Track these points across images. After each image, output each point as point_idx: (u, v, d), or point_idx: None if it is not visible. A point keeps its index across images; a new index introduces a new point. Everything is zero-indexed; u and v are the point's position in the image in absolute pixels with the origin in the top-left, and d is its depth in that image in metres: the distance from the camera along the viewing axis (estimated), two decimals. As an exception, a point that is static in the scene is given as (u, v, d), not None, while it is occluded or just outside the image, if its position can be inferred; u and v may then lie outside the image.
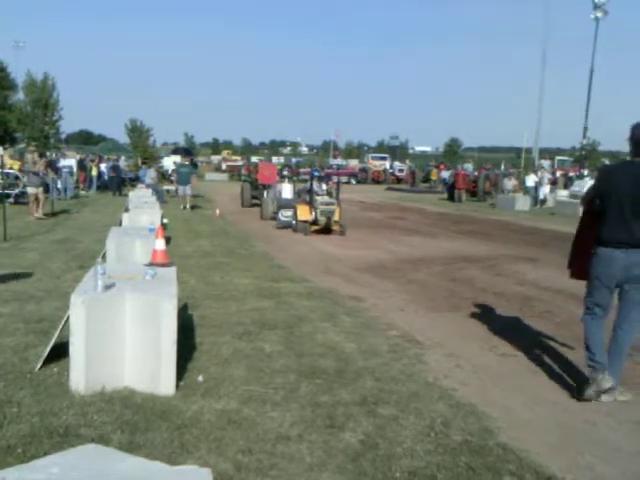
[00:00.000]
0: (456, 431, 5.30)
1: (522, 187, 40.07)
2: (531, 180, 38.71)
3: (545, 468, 4.70)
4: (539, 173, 40.25)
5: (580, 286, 11.61)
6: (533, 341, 8.45)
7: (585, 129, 50.59)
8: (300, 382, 6.31)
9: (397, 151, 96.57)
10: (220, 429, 5.10)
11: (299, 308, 9.60)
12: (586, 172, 47.04)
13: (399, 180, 64.13)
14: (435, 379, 6.65)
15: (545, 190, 37.98)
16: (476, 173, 46.05)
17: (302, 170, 55.88)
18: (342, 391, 6.12)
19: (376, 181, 63.13)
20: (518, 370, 7.26)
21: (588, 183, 35.77)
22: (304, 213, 20.64)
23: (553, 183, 43.10)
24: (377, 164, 68.38)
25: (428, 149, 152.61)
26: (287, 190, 24.46)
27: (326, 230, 20.21)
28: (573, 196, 35.15)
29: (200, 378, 6.24)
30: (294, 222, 21.05)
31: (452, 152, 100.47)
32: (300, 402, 5.79)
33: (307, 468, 4.55)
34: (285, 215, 22.02)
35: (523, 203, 34.51)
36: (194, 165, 42.41)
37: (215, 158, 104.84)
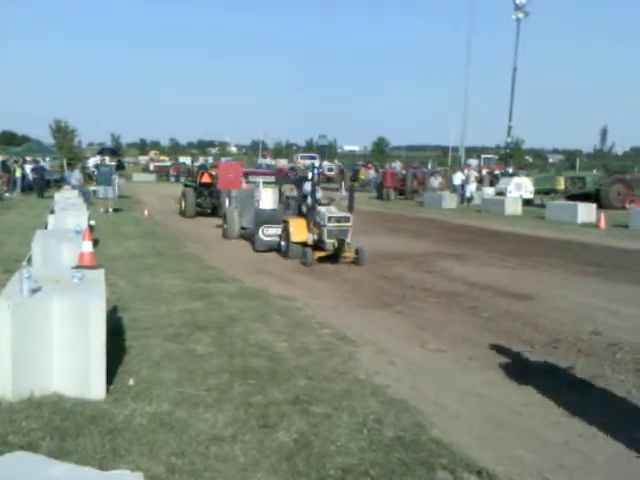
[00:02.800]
0: (389, 427, 5.35)
1: (449, 185, 40.71)
2: (458, 178, 39.38)
3: (476, 461, 4.78)
4: (466, 171, 40.92)
5: (506, 281, 11.88)
6: (462, 336, 8.58)
7: (509, 127, 51.71)
8: (233, 383, 6.29)
9: (326, 150, 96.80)
10: (152, 432, 5.04)
11: (230, 308, 9.56)
12: (511, 170, 48.06)
13: (328, 179, 64.28)
14: (367, 376, 6.70)
15: (471, 188, 38.63)
16: (404, 172, 46.53)
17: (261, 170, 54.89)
18: (275, 390, 6.12)
19: (305, 181, 63.07)
20: (448, 365, 7.37)
21: (514, 180, 36.64)
22: (300, 232, 15.01)
23: (479, 181, 43.88)
24: (306, 163, 68.38)
25: (356, 148, 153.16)
26: (269, 197, 17.44)
27: (334, 257, 14.70)
28: (499, 193, 35.92)
29: (131, 381, 6.16)
30: (283, 244, 15.54)
31: (380, 151, 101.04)
32: (233, 403, 5.77)
33: (241, 468, 4.53)
34: (268, 234, 16.27)
35: (450, 201, 35.04)
36: (121, 166, 41.63)
37: (142, 158, 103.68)
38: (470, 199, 37.29)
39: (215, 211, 25.75)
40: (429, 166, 57.99)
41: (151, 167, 75.47)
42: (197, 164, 36.29)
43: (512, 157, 62.75)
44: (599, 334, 8.66)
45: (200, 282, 11.52)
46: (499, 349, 8.01)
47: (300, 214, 15.74)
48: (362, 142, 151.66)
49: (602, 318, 9.62)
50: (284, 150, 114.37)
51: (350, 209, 15.23)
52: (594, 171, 45.94)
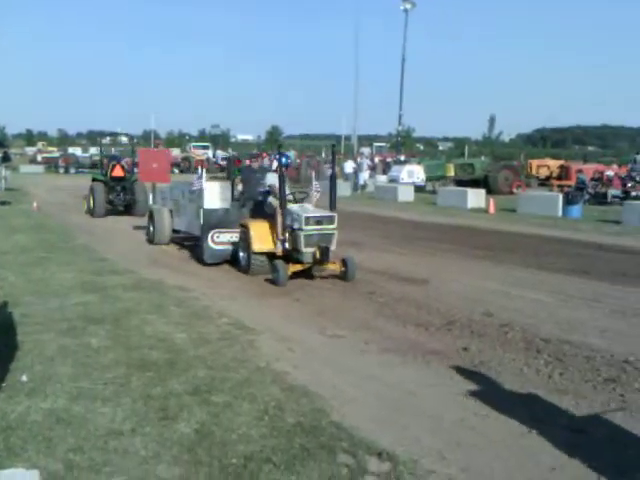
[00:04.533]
0: (290, 413, 5.39)
1: (341, 173, 41.22)
2: (349, 166, 39.89)
3: (376, 443, 4.86)
4: (358, 159, 41.47)
5: (401, 267, 12.06)
6: (359, 321, 8.70)
7: (400, 116, 52.53)
8: (131, 376, 6.21)
9: (219, 140, 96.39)
10: (48, 429, 4.93)
11: (126, 301, 9.40)
12: (403, 157, 48.97)
13: (222, 169, 63.90)
14: (267, 363, 6.72)
15: (365, 176, 39.17)
16: (298, 160, 46.75)
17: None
18: (174, 382, 6.07)
19: (198, 171, 62.43)
20: (346, 350, 7.46)
21: (406, 168, 37.36)
22: (264, 239, 11.74)
23: (372, 169, 44.55)
24: (199, 153, 67.75)
25: (250, 137, 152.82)
26: (216, 193, 13.73)
27: (315, 266, 11.55)
28: (391, 181, 36.57)
29: (24, 377, 6.00)
30: (242, 255, 12.30)
31: (274, 140, 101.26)
32: (132, 396, 5.70)
33: (141, 461, 4.49)
34: (220, 241, 12.83)
35: (344, 189, 35.38)
36: (7, 157, 39.94)
37: (30, 150, 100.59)
38: (364, 187, 37.82)
39: (129, 209, 23.27)
40: (323, 155, 58.44)
41: (39, 158, 73.53)
42: (105, 154, 30.78)
43: (404, 145, 63.95)
44: (491, 315, 8.94)
45: (93, 275, 11.28)
46: (395, 333, 8.17)
47: (261, 215, 12.41)
48: (256, 131, 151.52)
49: (493, 300, 9.92)
50: (177, 139, 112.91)
51: (332, 207, 12.18)
52: (482, 158, 47.32)
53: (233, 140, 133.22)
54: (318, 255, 10.97)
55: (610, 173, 30.94)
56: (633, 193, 27.62)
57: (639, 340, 7.89)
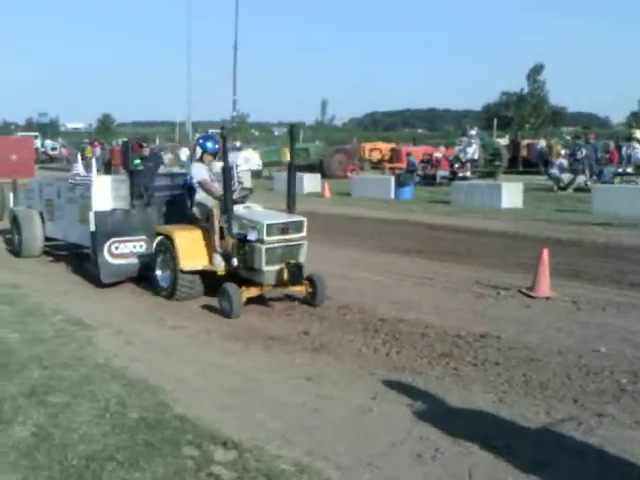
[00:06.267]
0: (132, 409, 5.29)
1: (178, 161, 40.77)
2: (183, 154, 39.53)
3: (221, 432, 4.86)
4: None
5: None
6: (198, 310, 8.68)
7: (234, 102, 52.53)
8: (-41, 381, 5.91)
9: (48, 129, 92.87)
10: None
11: (-51, 302, 8.91)
12: (238, 144, 48.92)
13: (52, 159, 61.68)
14: (106, 359, 6.57)
15: (200, 163, 38.92)
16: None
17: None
18: (8, 384, 5.82)
19: (27, 161, 59.93)
20: (187, 340, 7.43)
21: (242, 154, 37.39)
22: (195, 252, 9.03)
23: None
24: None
25: (81, 125, 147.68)
26: (107, 189, 10.75)
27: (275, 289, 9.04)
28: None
29: None
30: (161, 274, 9.39)
31: (105, 128, 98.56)
32: (-38, 402, 5.42)
33: (-25, 472, 4.28)
34: (120, 254, 9.91)
35: (180, 177, 35.01)
36: None
37: None
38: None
39: None
40: (157, 142, 57.46)
41: None
42: None
43: (239, 131, 63.89)
44: (329, 298, 9.10)
45: None
46: (235, 320, 8.16)
47: (183, 218, 9.58)
48: (86, 119, 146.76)
49: (332, 283, 10.05)
50: (2, 129, 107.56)
51: (291, 207, 9.59)
52: (317, 142, 48.02)
53: (63, 129, 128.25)
54: (286, 275, 8.33)
55: (438, 155, 32.18)
56: (460, 174, 28.88)
57: (469, 315, 8.32)
